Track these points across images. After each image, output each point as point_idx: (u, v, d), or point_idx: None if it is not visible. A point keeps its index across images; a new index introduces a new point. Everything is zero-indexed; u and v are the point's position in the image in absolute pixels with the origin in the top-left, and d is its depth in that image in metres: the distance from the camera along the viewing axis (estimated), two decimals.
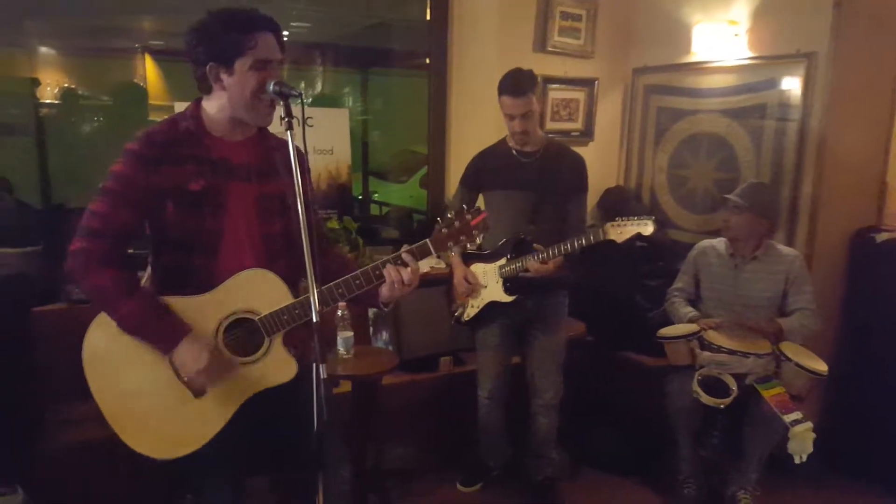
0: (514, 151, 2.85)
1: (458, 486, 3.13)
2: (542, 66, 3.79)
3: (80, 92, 5.00)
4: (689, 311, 3.14)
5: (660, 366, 3.18)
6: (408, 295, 1.81)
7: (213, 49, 1.69)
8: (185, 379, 1.72)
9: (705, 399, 2.73)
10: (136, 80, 5.67)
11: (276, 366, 1.76)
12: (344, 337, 2.72)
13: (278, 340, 1.76)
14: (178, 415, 1.73)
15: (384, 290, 1.81)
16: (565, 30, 3.88)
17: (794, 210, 3.35)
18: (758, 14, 3.45)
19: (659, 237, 3.86)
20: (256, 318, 1.74)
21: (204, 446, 1.74)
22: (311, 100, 5.38)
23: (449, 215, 1.80)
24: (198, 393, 1.74)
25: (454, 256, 2.93)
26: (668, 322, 3.19)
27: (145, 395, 1.73)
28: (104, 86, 5.31)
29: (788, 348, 2.82)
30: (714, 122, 3.71)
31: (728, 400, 2.70)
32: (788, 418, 2.60)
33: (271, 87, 1.66)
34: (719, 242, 3.18)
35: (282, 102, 1.63)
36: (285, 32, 1.57)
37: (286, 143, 1.70)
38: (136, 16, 5.27)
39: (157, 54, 6.05)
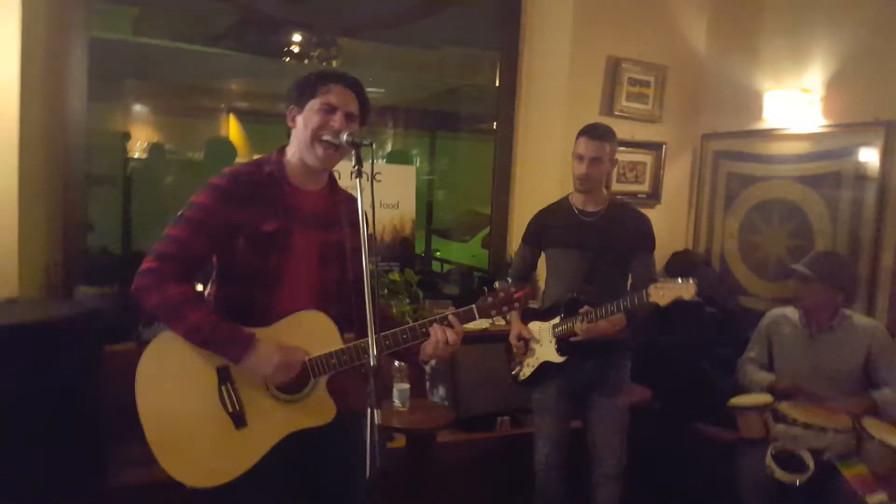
0: (575, 210, 2.81)
1: None
2: None
3: (166, 147, 5.32)
4: (766, 376, 2.99)
5: (731, 439, 3.02)
6: (451, 354, 1.87)
7: (294, 94, 1.84)
8: (260, 378, 1.76)
9: (779, 475, 2.55)
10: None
11: (316, 408, 1.80)
12: (400, 389, 2.71)
13: (322, 383, 1.80)
14: (217, 443, 1.76)
15: (427, 348, 1.85)
16: (633, 95, 3.91)
17: (874, 281, 3.20)
18: (832, 82, 3.40)
19: (730, 304, 3.76)
20: (306, 357, 1.79)
21: (245, 483, 1.76)
22: (382, 159, 5.54)
23: (496, 286, 1.89)
24: (238, 424, 1.77)
25: (513, 313, 2.90)
26: (740, 392, 3.04)
27: (188, 421, 1.77)
28: (189, 142, 5.65)
29: (871, 424, 2.63)
30: (787, 189, 3.62)
31: (804, 477, 2.53)
32: (872, 500, 2.41)
33: (345, 137, 1.74)
34: (792, 312, 3.04)
35: (353, 152, 1.71)
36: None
37: (351, 197, 1.86)
38: (223, 78, 5.63)
39: (241, 114, 6.42)
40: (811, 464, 2.56)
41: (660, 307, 2.48)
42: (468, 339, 3.29)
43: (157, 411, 1.77)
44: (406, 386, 2.73)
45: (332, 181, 1.96)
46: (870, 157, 3.22)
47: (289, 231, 1.82)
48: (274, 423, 1.79)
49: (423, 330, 1.82)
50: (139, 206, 4.37)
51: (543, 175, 3.88)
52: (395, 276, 3.58)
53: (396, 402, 2.71)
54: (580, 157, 2.70)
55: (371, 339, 1.54)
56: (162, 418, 1.77)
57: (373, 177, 1.72)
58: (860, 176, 3.26)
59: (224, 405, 1.77)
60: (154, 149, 5.09)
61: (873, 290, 3.20)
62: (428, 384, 3.32)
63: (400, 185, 3.72)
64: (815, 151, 3.46)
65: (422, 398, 3.17)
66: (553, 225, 2.86)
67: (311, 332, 1.80)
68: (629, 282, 2.80)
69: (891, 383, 2.77)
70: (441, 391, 3.27)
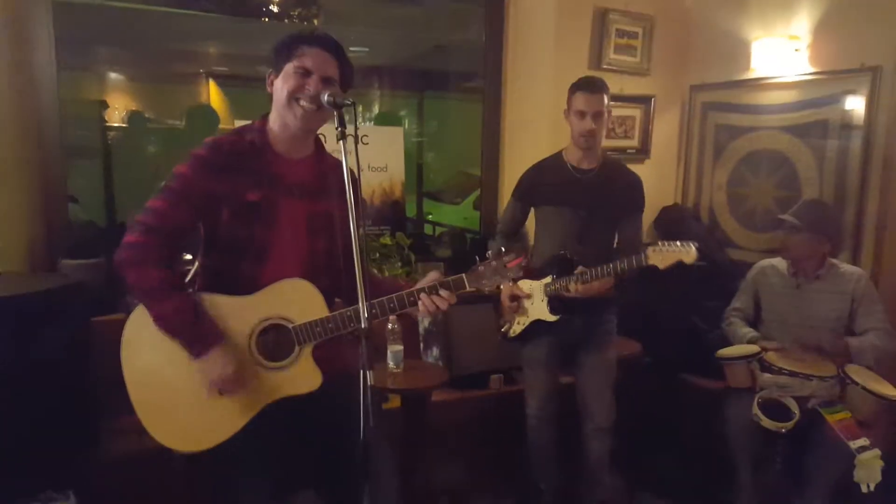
0: (569, 166, 2.78)
1: None
2: None
3: (147, 115, 5.23)
4: (748, 331, 3.04)
5: (719, 388, 3.09)
6: (435, 315, 1.95)
7: (272, 57, 1.82)
8: (206, 380, 1.77)
9: (766, 423, 2.62)
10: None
11: (301, 375, 1.81)
12: (393, 351, 2.74)
13: (308, 351, 1.81)
14: (201, 409, 1.79)
15: (416, 312, 1.87)
16: (621, 47, 3.86)
17: (860, 229, 3.23)
18: (819, 28, 3.36)
19: (718, 256, 3.78)
20: (290, 325, 1.80)
21: (232, 447, 1.79)
22: (369, 122, 5.49)
23: (488, 254, 1.85)
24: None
25: None
26: (727, 343, 3.09)
27: (172, 387, 1.80)
28: (170, 110, 5.56)
29: (854, 371, 2.69)
30: (774, 139, 3.61)
31: (790, 424, 2.59)
32: (854, 445, 2.47)
33: (325, 98, 1.71)
34: (780, 262, 3.08)
35: (335, 113, 1.68)
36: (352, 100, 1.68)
37: (340, 163, 1.76)
38: (201, 42, 5.51)
39: (221, 79, 6.30)
40: (796, 411, 2.62)
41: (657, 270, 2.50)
42: (461, 300, 3.34)
43: (142, 377, 1.81)
44: (399, 347, 2.76)
45: (319, 147, 1.93)
46: (856, 104, 3.21)
47: (274, 201, 1.81)
48: (257, 389, 1.81)
49: (412, 300, 1.82)
50: (122, 177, 4.33)
51: (533, 132, 3.85)
52: (387, 239, 3.58)
53: (390, 364, 2.74)
54: (582, 114, 2.66)
55: (361, 301, 1.55)
56: (147, 384, 1.81)
57: (357, 139, 1.70)
58: (846, 124, 3.26)
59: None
60: (134, 117, 5.01)
61: (858, 239, 3.23)
62: (422, 345, 3.36)
63: (388, 148, 3.69)
64: (803, 100, 3.45)
65: (416, 359, 3.21)
66: (546, 182, 2.83)
67: (295, 300, 1.80)
68: (616, 242, 2.81)
69: (868, 330, 2.83)
70: (435, 351, 3.31)
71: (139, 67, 5.42)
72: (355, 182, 1.63)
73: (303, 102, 1.76)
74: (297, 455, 1.94)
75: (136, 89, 5.68)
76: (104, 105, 4.80)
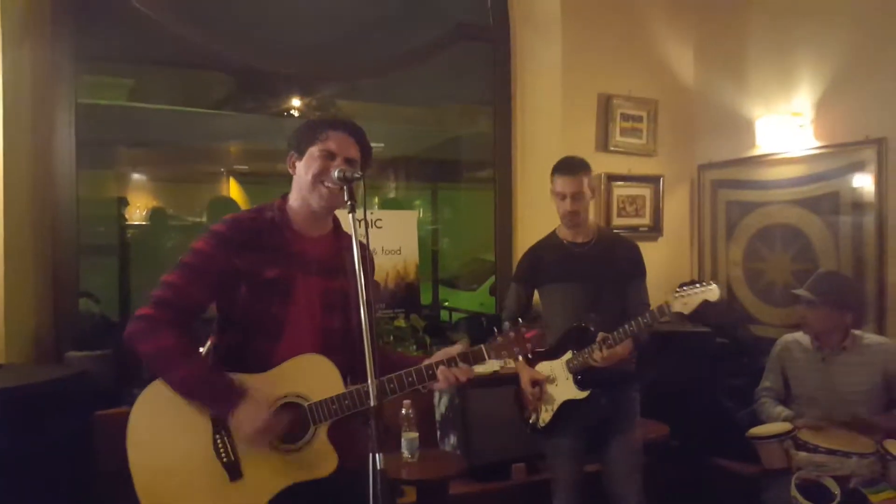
0: (565, 242, 2.79)
1: None
2: (606, 164, 3.86)
3: (168, 211, 5.33)
4: (781, 409, 2.92)
5: (753, 473, 2.94)
6: (453, 387, 1.87)
7: (294, 140, 1.86)
8: (240, 437, 1.70)
9: None
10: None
11: (316, 458, 1.73)
12: (408, 438, 2.64)
13: (323, 431, 1.74)
14: (211, 497, 1.70)
15: (434, 385, 1.82)
16: (627, 130, 3.94)
17: (882, 298, 3.15)
18: (821, 103, 3.42)
19: (740, 333, 3.70)
20: (305, 403, 1.74)
21: None
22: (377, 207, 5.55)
23: (505, 325, 1.82)
24: (234, 476, 1.71)
25: (519, 362, 2.85)
26: (758, 423, 2.96)
27: (181, 474, 1.71)
28: (190, 207, 5.68)
29: (894, 446, 2.55)
30: (786, 213, 3.61)
31: None
32: None
33: (336, 174, 1.73)
34: (803, 336, 2.99)
35: (345, 188, 1.69)
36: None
37: (359, 243, 1.82)
38: (222, 141, 5.70)
39: (241, 176, 6.48)
40: (837, 491, 2.47)
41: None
42: (478, 384, 3.29)
43: (149, 464, 1.72)
44: (414, 435, 2.67)
45: (337, 226, 1.95)
46: (864, 175, 3.22)
47: (291, 278, 1.80)
48: (271, 474, 1.72)
49: (430, 373, 1.77)
50: (139, 273, 4.36)
51: (545, 217, 3.85)
52: (401, 322, 3.55)
53: (405, 453, 2.64)
54: (562, 196, 2.70)
55: (370, 378, 1.51)
56: (153, 471, 1.72)
57: (368, 222, 1.71)
58: (857, 195, 3.26)
59: (219, 455, 1.72)
60: (155, 213, 5.10)
61: (882, 309, 3.15)
62: (438, 433, 3.25)
63: (401, 231, 3.72)
64: (811, 174, 3.47)
65: (432, 447, 3.10)
66: (546, 261, 2.82)
67: (311, 377, 1.76)
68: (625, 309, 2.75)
69: None
70: (452, 439, 3.20)
71: (160, 166, 5.59)
72: (365, 255, 1.63)
73: (328, 184, 1.79)
74: None
75: (157, 188, 5.83)
76: (124, 202, 4.91)
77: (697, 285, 2.39)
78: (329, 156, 1.80)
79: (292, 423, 1.74)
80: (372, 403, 1.51)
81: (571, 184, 2.66)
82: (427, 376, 1.77)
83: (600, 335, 2.56)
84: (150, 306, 1.72)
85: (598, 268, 2.71)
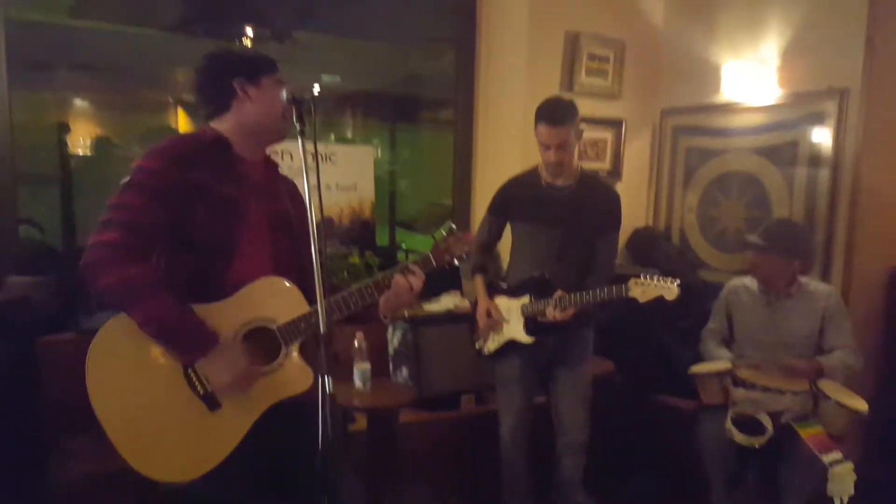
0: (544, 183, 2.73)
1: None
2: None
3: (114, 141, 5.11)
4: (723, 351, 3.02)
5: (692, 409, 3.05)
6: (409, 303, 1.88)
7: (241, 66, 1.78)
8: (213, 389, 1.66)
9: (739, 438, 2.58)
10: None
11: (293, 375, 1.72)
12: (361, 369, 2.65)
13: (295, 350, 1.73)
14: (194, 431, 1.65)
15: (388, 301, 1.84)
16: (592, 71, 3.89)
17: (830, 248, 3.24)
18: (788, 52, 3.41)
19: (690, 277, 3.77)
20: (274, 326, 1.72)
21: (212, 472, 1.66)
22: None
23: (443, 232, 1.90)
24: (212, 406, 1.68)
25: (479, 286, 2.86)
26: (701, 362, 3.06)
27: (156, 414, 1.64)
28: (135, 138, 5.44)
29: (827, 386, 2.67)
30: (744, 161, 3.65)
31: (763, 439, 2.55)
32: (828, 458, 2.44)
33: (284, 94, 1.67)
34: (751, 281, 3.07)
35: (293, 109, 1.61)
36: (316, 87, 1.63)
37: (287, 178, 1.93)
38: (170, 67, 5.43)
39: (189, 107, 6.22)
40: (770, 426, 2.59)
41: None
42: (431, 321, 3.31)
43: (119, 407, 1.62)
44: (367, 366, 2.68)
45: (265, 154, 1.91)
46: (824, 126, 3.25)
47: (243, 197, 1.75)
48: (249, 399, 1.69)
49: (387, 282, 1.79)
50: (83, 203, 4.20)
51: (505, 157, 3.85)
52: (355, 258, 3.51)
53: (357, 383, 2.66)
54: (546, 147, 2.60)
55: (321, 303, 1.48)
56: (125, 414, 1.63)
57: (315, 136, 1.63)
58: (815, 145, 3.30)
59: (193, 388, 1.66)
60: (99, 142, 4.88)
61: (828, 257, 3.24)
62: (391, 366, 3.28)
63: (357, 167, 3.64)
64: (772, 122, 3.49)
65: (384, 378, 3.12)
66: (521, 197, 2.77)
67: (274, 300, 1.73)
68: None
69: (836, 347, 2.82)
70: (404, 371, 3.23)
71: (103, 92, 5.31)
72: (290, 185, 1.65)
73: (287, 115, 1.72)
74: (265, 473, 1.81)
75: (101, 116, 5.55)
76: (65, 128, 4.68)
77: (659, 279, 2.43)
78: (282, 83, 1.79)
79: (263, 347, 1.72)
80: (322, 330, 1.49)
81: (556, 135, 2.55)
82: (385, 285, 1.79)
83: (557, 293, 2.56)
84: (110, 231, 1.59)
85: (572, 215, 2.66)
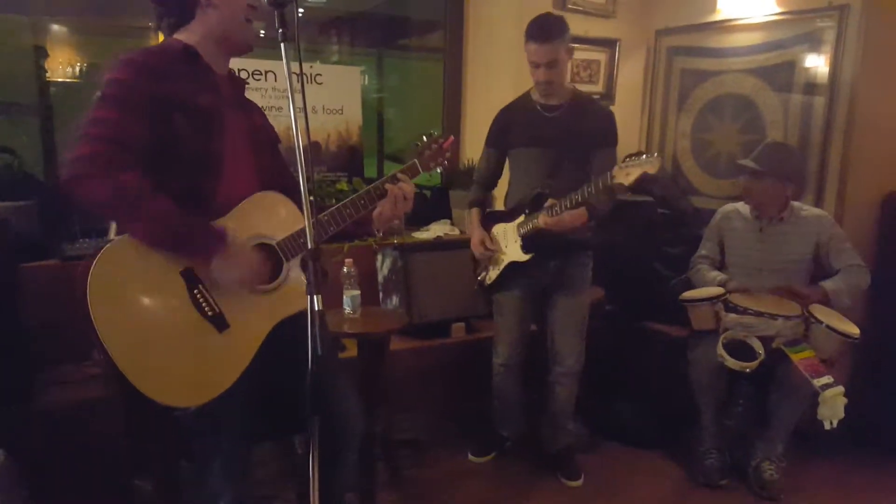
0: (538, 106, 2.69)
1: (470, 456, 3.02)
2: None
3: (96, 67, 4.89)
4: (717, 275, 3.00)
5: (682, 336, 3.06)
6: (403, 214, 1.84)
7: None
8: (227, 283, 1.60)
9: (730, 363, 2.59)
10: None
11: (296, 290, 1.69)
12: (350, 295, 2.61)
13: (296, 265, 1.70)
14: (203, 353, 1.60)
15: (381, 212, 1.81)
16: None
17: (823, 172, 3.18)
18: None
19: (682, 204, 3.73)
20: (274, 242, 1.68)
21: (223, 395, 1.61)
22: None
23: (423, 139, 1.90)
24: (221, 327, 1.63)
25: (474, 219, 2.84)
26: (692, 289, 3.04)
27: (164, 338, 1.57)
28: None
29: (818, 310, 2.67)
30: (740, 83, 3.54)
31: (754, 364, 2.56)
32: (819, 382, 2.45)
33: None
34: (743, 206, 3.04)
35: (276, 13, 1.48)
36: (300, 10, 1.51)
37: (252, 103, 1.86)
38: None
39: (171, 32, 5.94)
40: (761, 351, 2.60)
41: (621, 191, 2.48)
42: (421, 248, 3.26)
43: (126, 333, 1.53)
44: (356, 292, 2.63)
45: (231, 70, 1.81)
46: (823, 43, 3.15)
47: (220, 109, 1.66)
48: (257, 317, 1.66)
49: (379, 192, 1.77)
50: (65, 133, 4.05)
51: (497, 85, 3.72)
52: (343, 185, 3.43)
53: (347, 309, 2.62)
54: (535, 65, 2.56)
55: (308, 222, 1.40)
56: (132, 340, 1.53)
57: (298, 43, 1.52)
58: (812, 64, 3.20)
59: (201, 310, 1.60)
60: (79, 69, 4.68)
61: (822, 182, 3.19)
62: (381, 294, 3.25)
63: (344, 89, 3.50)
64: (769, 41, 3.37)
65: (374, 306, 3.09)
66: (516, 123, 2.74)
67: (272, 215, 1.69)
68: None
69: (842, 268, 2.81)
70: (395, 300, 3.20)
71: (82, 15, 5.05)
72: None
73: (256, 23, 1.68)
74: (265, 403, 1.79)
75: (80, 41, 5.30)
76: (42, 53, 4.47)
77: (641, 156, 2.34)
78: None
79: (266, 262, 1.68)
80: (309, 245, 1.43)
81: (546, 52, 2.51)
82: (377, 195, 1.77)
83: (549, 201, 2.54)
84: (91, 145, 1.48)
85: (566, 134, 2.63)
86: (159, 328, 1.56)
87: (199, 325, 1.60)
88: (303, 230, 1.61)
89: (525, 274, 2.72)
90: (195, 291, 1.60)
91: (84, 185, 1.47)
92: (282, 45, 1.45)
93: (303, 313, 1.48)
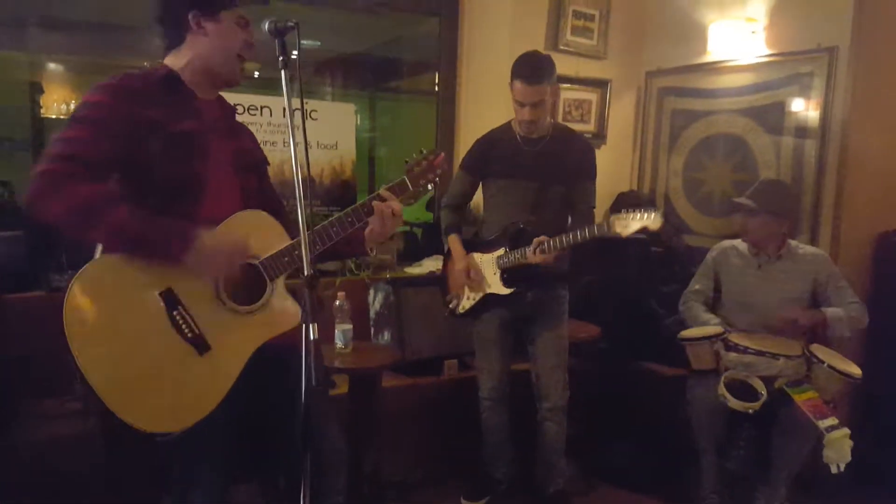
0: (518, 137, 2.69)
1: (462, 500, 2.91)
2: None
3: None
4: (710, 316, 2.95)
5: (679, 375, 3.00)
6: (393, 231, 1.80)
7: None
8: (210, 269, 1.56)
9: (733, 403, 2.52)
10: None
11: (281, 310, 1.64)
12: (342, 329, 2.55)
13: (280, 285, 1.66)
14: (184, 377, 1.55)
15: (372, 230, 1.78)
16: (578, 29, 3.78)
17: (817, 211, 3.20)
18: (776, 10, 3.33)
19: (675, 242, 3.72)
20: (257, 262, 1.63)
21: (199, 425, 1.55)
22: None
23: (415, 156, 1.84)
24: (202, 349, 1.57)
25: (456, 245, 2.80)
26: (684, 328, 3.00)
27: (143, 360, 1.52)
28: None
29: (820, 350, 2.63)
30: (731, 123, 3.58)
31: (757, 404, 2.50)
32: (823, 424, 2.39)
33: (266, 25, 1.51)
34: (741, 243, 3.01)
35: (277, 41, 1.50)
36: (294, 52, 1.52)
37: (243, 126, 1.87)
38: (147, 30, 5.16)
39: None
40: (763, 391, 2.54)
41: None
42: (413, 283, 3.21)
43: (103, 354, 1.49)
44: (348, 326, 2.57)
45: (220, 97, 1.79)
46: (813, 85, 3.19)
47: (202, 133, 1.64)
48: (239, 339, 1.60)
49: (367, 210, 1.73)
50: None
51: (489, 124, 3.71)
52: None
53: (338, 344, 2.56)
54: (520, 104, 2.56)
55: (304, 246, 1.37)
56: (111, 364, 1.49)
57: (301, 84, 1.51)
58: (803, 105, 3.23)
59: (181, 332, 1.55)
60: (70, 106, 4.66)
61: (816, 220, 3.19)
62: (372, 329, 3.18)
63: (338, 124, 3.50)
64: (759, 82, 3.42)
65: (366, 342, 3.02)
66: (496, 154, 2.73)
67: (255, 233, 1.63)
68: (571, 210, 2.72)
69: (839, 306, 2.78)
70: (386, 335, 3.13)
71: (79, 53, 5.04)
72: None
73: (247, 56, 1.69)
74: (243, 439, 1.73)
75: (75, 79, 5.30)
76: (38, 89, 4.46)
77: (641, 210, 2.35)
78: (245, 24, 1.68)
79: (247, 283, 1.63)
80: (306, 272, 1.38)
81: (533, 93, 2.51)
82: (364, 213, 1.74)
83: (536, 239, 2.50)
84: (53, 162, 1.46)
85: (546, 167, 2.63)
86: (138, 352, 1.52)
87: (179, 348, 1.55)
88: (286, 249, 1.64)
89: (502, 305, 2.70)
90: (174, 313, 1.55)
91: (38, 203, 1.45)
92: (282, 72, 1.45)
93: (295, 344, 1.44)
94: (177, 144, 1.58)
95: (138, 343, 1.52)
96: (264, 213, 1.67)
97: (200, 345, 1.57)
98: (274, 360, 1.63)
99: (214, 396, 1.56)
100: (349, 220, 1.72)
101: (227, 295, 1.60)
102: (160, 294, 1.54)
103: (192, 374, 1.55)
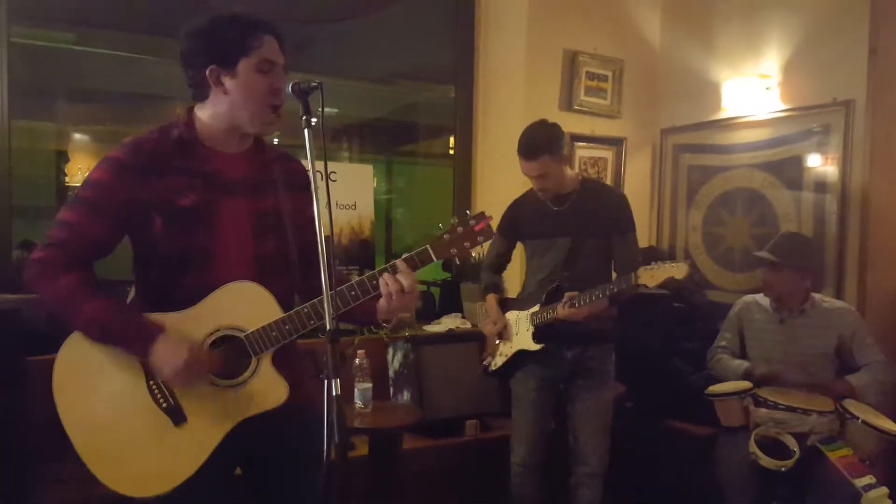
0: (543, 199, 2.72)
1: None
2: (569, 124, 3.72)
3: None
4: (741, 362, 2.89)
5: (707, 434, 2.92)
6: (410, 305, 1.64)
7: (214, 49, 1.57)
8: (165, 378, 1.54)
9: (765, 461, 2.44)
10: None
11: (264, 388, 1.58)
12: (361, 389, 2.52)
13: (267, 361, 1.59)
14: (158, 446, 1.55)
15: (382, 304, 1.63)
16: (591, 90, 3.85)
17: (842, 264, 3.15)
18: (789, 66, 3.38)
19: (697, 298, 3.67)
20: (242, 334, 1.57)
21: (184, 485, 1.54)
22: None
23: (452, 221, 1.67)
24: (178, 420, 1.56)
25: (491, 302, 2.81)
26: (711, 385, 2.93)
27: (120, 425, 1.56)
28: None
29: (853, 406, 2.55)
30: (749, 178, 3.58)
31: (790, 462, 2.41)
32: (860, 483, 2.30)
33: (290, 88, 1.51)
34: (763, 298, 2.97)
35: (301, 102, 1.49)
36: (314, 119, 1.50)
37: (286, 155, 1.75)
38: (169, 101, 5.34)
39: None
40: (796, 448, 2.45)
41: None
42: (433, 340, 3.19)
43: (84, 418, 1.55)
44: (368, 385, 2.54)
45: (257, 139, 1.71)
46: (830, 138, 3.19)
47: (212, 203, 1.59)
48: (217, 414, 1.57)
49: (373, 283, 1.59)
50: None
51: (505, 186, 3.75)
52: (354, 277, 3.39)
53: (358, 403, 2.52)
54: (527, 175, 2.64)
55: (326, 298, 1.36)
56: (90, 425, 1.55)
57: (324, 137, 1.52)
58: (821, 158, 3.24)
59: (157, 401, 1.56)
60: None
61: (841, 273, 3.15)
62: (392, 388, 3.14)
63: (356, 185, 3.56)
64: (776, 137, 3.44)
65: (385, 401, 2.98)
66: (526, 216, 2.79)
67: (244, 305, 1.58)
68: (612, 265, 2.71)
69: (866, 364, 2.71)
70: (406, 395, 3.08)
71: (104, 123, 5.21)
72: (297, 168, 1.57)
73: (276, 102, 1.60)
74: (251, 487, 1.70)
75: (100, 148, 5.45)
76: (64, 158, 4.58)
77: (668, 261, 2.35)
78: (268, 67, 1.58)
79: (231, 357, 1.58)
80: (328, 326, 1.37)
81: (532, 168, 2.59)
82: (371, 287, 1.59)
83: (567, 294, 2.49)
84: (43, 248, 1.55)
85: (576, 222, 2.64)
86: (116, 417, 1.56)
87: (154, 417, 1.57)
88: (274, 324, 1.57)
89: (540, 364, 2.65)
90: (151, 382, 1.57)
91: (31, 289, 1.56)
92: (305, 131, 1.46)
93: (307, 403, 1.42)
94: (180, 220, 1.56)
95: (117, 409, 1.56)
96: (253, 285, 1.59)
97: (176, 415, 1.57)
98: (280, 418, 1.59)
99: (189, 467, 1.54)
100: (352, 293, 1.59)
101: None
102: (142, 362, 1.55)
103: (166, 445, 1.56)
